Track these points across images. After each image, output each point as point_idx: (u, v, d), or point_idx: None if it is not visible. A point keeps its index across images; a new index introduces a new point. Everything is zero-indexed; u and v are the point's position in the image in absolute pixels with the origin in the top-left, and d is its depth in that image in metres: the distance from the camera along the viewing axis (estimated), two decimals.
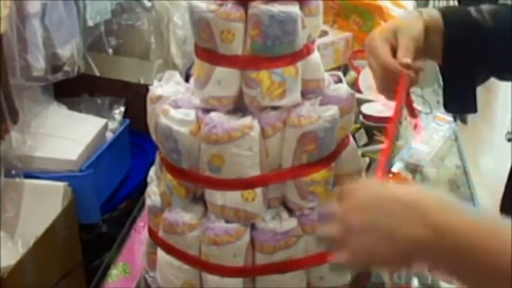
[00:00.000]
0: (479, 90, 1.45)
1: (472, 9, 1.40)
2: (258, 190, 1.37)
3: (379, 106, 2.35)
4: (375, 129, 2.28)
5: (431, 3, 5.67)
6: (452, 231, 0.95)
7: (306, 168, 1.37)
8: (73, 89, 2.86)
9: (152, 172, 1.59)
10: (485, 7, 1.40)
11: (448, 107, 1.52)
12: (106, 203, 2.71)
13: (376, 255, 1.01)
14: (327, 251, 1.12)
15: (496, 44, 1.38)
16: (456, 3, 5.78)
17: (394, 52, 1.36)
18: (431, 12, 1.41)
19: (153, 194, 1.52)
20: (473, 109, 1.45)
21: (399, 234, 0.97)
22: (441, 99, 1.52)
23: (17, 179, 2.36)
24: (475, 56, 1.39)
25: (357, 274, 1.52)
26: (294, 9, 1.33)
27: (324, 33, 2.52)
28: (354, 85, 2.45)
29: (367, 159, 2.15)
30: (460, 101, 1.47)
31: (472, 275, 0.97)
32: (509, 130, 3.85)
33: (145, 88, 1.54)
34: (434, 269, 1.04)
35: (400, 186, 1.10)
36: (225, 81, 1.36)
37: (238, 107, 1.39)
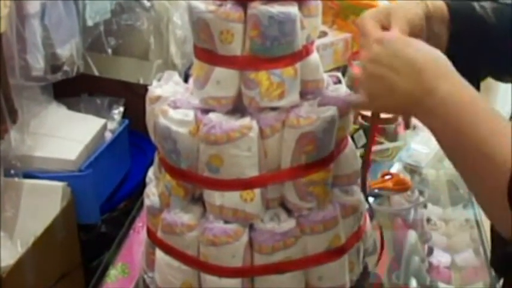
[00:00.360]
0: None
1: (476, 5, 1.40)
2: (257, 191, 1.37)
3: None
4: None
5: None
6: (440, 93, 1.09)
7: (304, 168, 1.37)
8: (72, 89, 2.86)
9: (151, 172, 1.59)
10: (487, 4, 1.39)
11: None
12: (105, 203, 2.71)
13: (381, 102, 1.21)
14: None
15: (498, 42, 1.37)
16: None
17: None
18: (436, 1, 1.39)
19: (151, 194, 1.52)
20: None
21: (398, 88, 1.14)
22: None
23: (16, 179, 2.36)
24: (478, 51, 1.38)
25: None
26: (293, 10, 1.33)
27: (323, 33, 2.52)
28: (353, 86, 2.46)
29: None
30: None
31: (448, 137, 1.10)
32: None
33: (145, 88, 1.54)
34: (424, 124, 1.16)
35: (415, 48, 1.16)
36: (224, 81, 1.36)
37: (237, 108, 1.39)
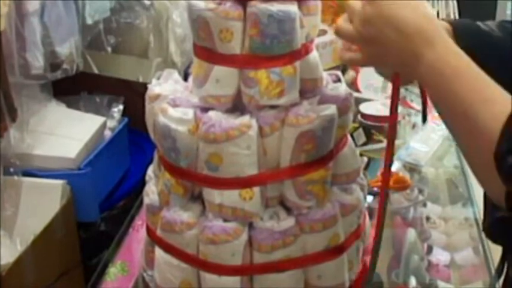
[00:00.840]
0: None
1: (479, 23, 1.40)
2: (256, 189, 1.37)
3: (378, 105, 2.36)
4: (373, 128, 2.29)
5: (430, 3, 5.67)
6: (426, 61, 1.10)
7: (304, 167, 1.37)
8: (72, 87, 2.86)
9: (150, 171, 1.59)
10: (490, 22, 1.40)
11: None
12: (104, 201, 2.71)
13: (378, 60, 1.22)
14: None
15: (505, 54, 1.37)
16: (455, 3, 5.78)
17: None
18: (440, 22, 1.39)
19: (151, 192, 1.52)
20: None
21: (390, 51, 1.15)
22: None
23: (16, 177, 2.36)
24: (487, 64, 1.38)
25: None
26: (293, 8, 1.33)
27: (323, 32, 2.52)
28: (353, 84, 2.46)
29: (365, 159, 2.16)
30: None
31: (437, 102, 1.12)
32: None
33: (144, 86, 1.54)
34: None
35: (405, 10, 1.14)
36: (224, 80, 1.37)
37: (237, 106, 1.39)
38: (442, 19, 1.42)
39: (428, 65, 1.10)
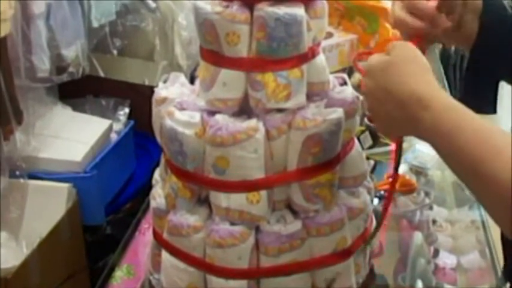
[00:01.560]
0: None
1: (505, 3, 1.39)
2: (263, 192, 1.36)
3: None
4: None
5: None
6: (424, 125, 1.10)
7: (310, 170, 1.37)
8: (78, 90, 2.86)
9: (157, 174, 1.59)
10: None
11: (465, 102, 1.48)
12: (110, 204, 2.71)
13: (388, 130, 1.28)
14: None
15: None
16: None
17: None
18: None
19: (158, 196, 1.52)
20: (493, 109, 1.43)
21: (392, 120, 1.16)
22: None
23: (22, 180, 2.36)
24: (503, 48, 1.37)
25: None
26: (300, 11, 1.33)
27: (329, 35, 2.52)
28: (359, 87, 2.45)
29: (372, 162, 2.16)
30: (480, 98, 1.43)
31: (446, 159, 1.11)
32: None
33: (150, 89, 1.54)
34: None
35: (395, 81, 1.16)
36: (231, 83, 1.36)
37: (244, 109, 1.39)
38: None
39: (427, 128, 1.10)
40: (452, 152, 1.08)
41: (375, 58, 1.19)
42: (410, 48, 1.20)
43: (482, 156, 1.03)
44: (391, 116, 1.16)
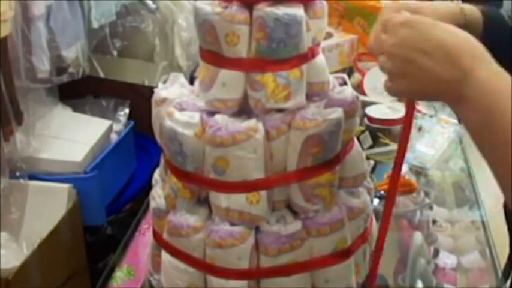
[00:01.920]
0: None
1: (504, 15, 1.38)
2: (263, 193, 1.37)
3: (384, 108, 2.35)
4: (379, 131, 2.29)
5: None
6: (476, 80, 1.05)
7: (310, 171, 1.37)
8: (78, 91, 2.86)
9: (157, 174, 1.59)
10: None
11: None
12: (111, 205, 2.71)
13: (409, 87, 1.14)
14: None
15: None
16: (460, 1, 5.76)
17: None
18: (473, 10, 1.36)
19: (157, 196, 1.52)
20: None
21: (431, 73, 1.09)
22: None
23: (22, 181, 2.37)
24: (507, 62, 1.35)
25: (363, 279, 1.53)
26: (299, 12, 1.33)
27: (329, 35, 2.52)
28: (359, 87, 2.45)
29: (372, 162, 2.16)
30: None
31: (479, 124, 1.07)
32: None
33: (150, 90, 1.54)
34: (453, 109, 1.13)
35: (444, 30, 1.11)
36: (230, 83, 1.36)
37: (243, 110, 1.39)
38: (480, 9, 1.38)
39: (478, 84, 1.05)
40: (492, 114, 1.03)
41: (416, 16, 1.15)
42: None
43: None
44: (431, 69, 1.08)
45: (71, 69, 2.54)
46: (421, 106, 2.57)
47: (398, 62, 1.12)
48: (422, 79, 1.11)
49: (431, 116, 2.50)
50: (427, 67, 1.09)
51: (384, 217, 1.43)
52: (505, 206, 1.54)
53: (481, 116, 1.06)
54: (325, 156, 1.37)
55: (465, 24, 1.31)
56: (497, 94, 1.04)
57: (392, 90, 1.17)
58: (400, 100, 1.42)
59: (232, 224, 1.38)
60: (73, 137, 2.60)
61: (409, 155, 2.28)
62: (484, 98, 1.05)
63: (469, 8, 1.36)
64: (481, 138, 1.07)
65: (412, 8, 1.26)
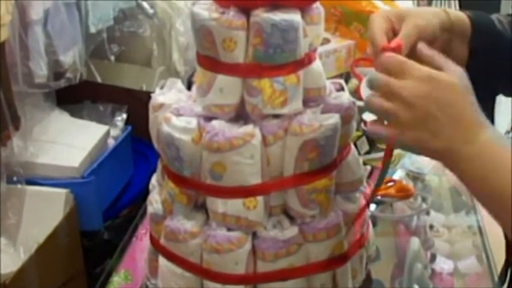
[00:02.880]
0: None
1: (494, 19, 1.37)
2: (260, 198, 1.37)
3: None
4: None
5: (433, 4, 5.68)
6: (479, 142, 1.08)
7: (307, 176, 1.37)
8: (75, 96, 2.87)
9: (154, 179, 1.59)
10: (504, 19, 1.37)
11: None
12: (108, 210, 2.71)
13: (420, 142, 1.12)
14: None
15: None
16: (457, 4, 5.78)
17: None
18: (459, 14, 1.34)
19: (154, 201, 1.52)
20: (491, 122, 1.41)
21: (442, 132, 1.10)
22: None
23: (19, 186, 2.37)
24: (497, 67, 1.34)
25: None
26: (296, 17, 1.33)
27: (326, 40, 2.52)
28: (356, 93, 2.45)
29: (368, 167, 2.16)
30: None
31: (480, 184, 1.10)
32: (509, 129, 3.83)
33: (148, 95, 1.54)
34: (452, 170, 1.13)
35: (460, 94, 1.12)
36: (227, 89, 1.37)
37: (240, 115, 1.39)
38: (461, 10, 1.37)
39: (481, 147, 1.08)
40: (493, 175, 1.07)
41: (437, 73, 1.13)
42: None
43: None
44: (442, 128, 1.10)
45: (68, 74, 2.54)
46: None
47: (421, 115, 1.10)
48: (437, 136, 1.10)
49: None
50: (438, 127, 1.10)
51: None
52: None
53: (480, 179, 1.09)
54: (321, 162, 1.37)
55: (451, 27, 1.31)
56: (497, 156, 1.08)
57: (394, 138, 1.16)
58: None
59: (229, 229, 1.38)
60: (70, 142, 2.61)
61: (406, 160, 2.28)
62: (484, 160, 1.08)
63: (454, 12, 1.36)
64: (484, 195, 1.11)
65: (399, 14, 1.27)
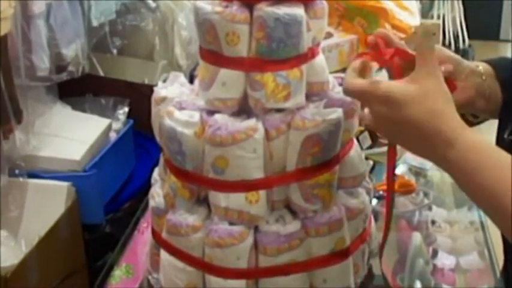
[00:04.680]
0: None
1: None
2: (262, 192, 1.37)
3: None
4: None
5: (436, 3, 5.67)
6: (449, 159, 1.12)
7: (310, 170, 1.37)
8: (77, 89, 2.87)
9: (156, 173, 1.59)
10: None
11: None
12: (109, 203, 2.71)
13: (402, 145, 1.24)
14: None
15: None
16: (460, 3, 5.77)
17: None
18: (479, 63, 1.43)
19: (156, 195, 1.52)
20: None
21: (415, 145, 1.18)
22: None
23: (21, 179, 2.37)
24: None
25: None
26: (299, 11, 1.33)
27: (329, 35, 2.52)
28: None
29: (371, 162, 2.16)
30: None
31: (462, 180, 1.13)
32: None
33: (150, 89, 1.54)
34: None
35: (416, 111, 1.14)
36: (230, 83, 1.36)
37: (243, 109, 1.39)
38: (482, 60, 1.45)
39: (450, 165, 1.13)
40: (473, 188, 1.11)
41: (397, 87, 1.16)
42: (434, 78, 1.17)
43: (503, 192, 1.06)
44: (410, 144, 1.18)
45: (70, 68, 2.54)
46: None
47: (384, 130, 1.23)
48: (408, 146, 1.20)
49: None
50: (409, 143, 1.18)
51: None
52: None
53: (462, 188, 1.14)
54: (324, 156, 1.37)
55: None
56: (472, 172, 1.10)
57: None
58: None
59: (231, 224, 1.38)
60: (72, 135, 2.60)
61: (408, 156, 2.28)
62: (457, 176, 1.13)
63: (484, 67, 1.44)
64: (467, 192, 1.14)
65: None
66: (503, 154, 1.11)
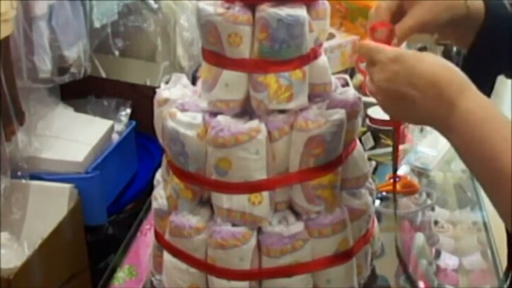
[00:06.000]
0: None
1: (506, 3, 1.39)
2: (265, 194, 1.37)
3: None
4: (381, 132, 2.28)
5: None
6: (459, 111, 1.10)
7: (313, 172, 1.37)
8: (79, 91, 2.87)
9: (159, 175, 1.59)
10: None
11: None
12: (112, 205, 2.71)
13: (402, 117, 1.25)
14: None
15: None
16: None
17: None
18: (478, 5, 1.34)
19: (159, 196, 1.52)
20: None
21: (420, 106, 1.14)
22: None
23: (23, 181, 2.37)
24: (504, 48, 1.35)
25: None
26: (302, 12, 1.33)
27: (331, 36, 2.52)
28: (361, 88, 2.45)
29: (373, 163, 2.15)
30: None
31: (466, 152, 1.12)
32: None
33: (152, 90, 1.54)
34: (444, 137, 1.16)
35: (431, 63, 1.14)
36: (233, 84, 1.36)
37: (246, 111, 1.39)
38: None
39: (461, 115, 1.10)
40: (477, 140, 1.08)
41: (403, 51, 1.18)
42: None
43: (503, 150, 1.05)
44: (421, 100, 1.13)
45: (72, 69, 2.53)
46: None
47: (389, 97, 1.18)
48: (412, 112, 1.16)
49: None
50: (417, 102, 1.14)
51: None
52: None
53: (467, 145, 1.11)
54: (327, 157, 1.37)
55: (463, 20, 1.32)
56: (481, 123, 1.08)
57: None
58: None
59: (234, 225, 1.38)
60: (74, 137, 2.60)
61: (411, 156, 2.28)
62: (468, 128, 1.10)
63: (475, 3, 1.37)
64: (469, 164, 1.13)
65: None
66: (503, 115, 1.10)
